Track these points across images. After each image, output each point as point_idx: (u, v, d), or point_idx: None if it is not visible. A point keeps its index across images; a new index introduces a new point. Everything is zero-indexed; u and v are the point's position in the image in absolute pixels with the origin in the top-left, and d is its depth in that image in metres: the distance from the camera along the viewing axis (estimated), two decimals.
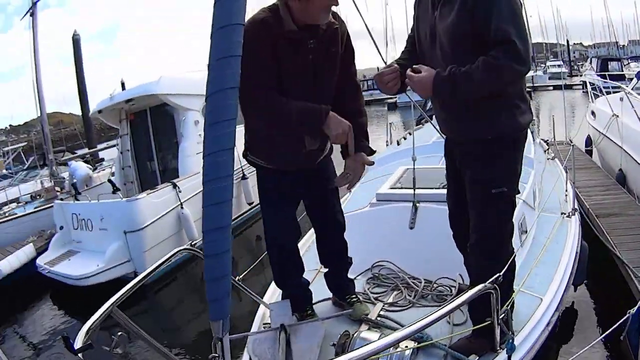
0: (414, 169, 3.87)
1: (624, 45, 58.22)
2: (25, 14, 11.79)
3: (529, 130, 2.62)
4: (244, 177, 9.06)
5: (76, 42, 15.86)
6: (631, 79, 10.69)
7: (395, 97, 32.20)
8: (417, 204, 3.69)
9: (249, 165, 2.82)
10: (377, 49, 2.96)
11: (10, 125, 57.19)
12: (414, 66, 2.35)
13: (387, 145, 8.14)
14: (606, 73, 17.02)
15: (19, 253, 8.17)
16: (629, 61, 32.44)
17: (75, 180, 10.00)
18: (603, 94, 9.40)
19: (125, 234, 6.95)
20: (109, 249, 6.94)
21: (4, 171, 15.87)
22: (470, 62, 2.28)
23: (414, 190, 3.73)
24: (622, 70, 23.96)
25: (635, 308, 3.35)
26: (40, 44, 11.80)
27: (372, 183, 4.73)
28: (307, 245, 3.87)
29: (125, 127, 9.68)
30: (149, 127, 9.58)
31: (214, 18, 1.61)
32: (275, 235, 2.83)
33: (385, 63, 3.38)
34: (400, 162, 5.06)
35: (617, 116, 7.79)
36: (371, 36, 3.01)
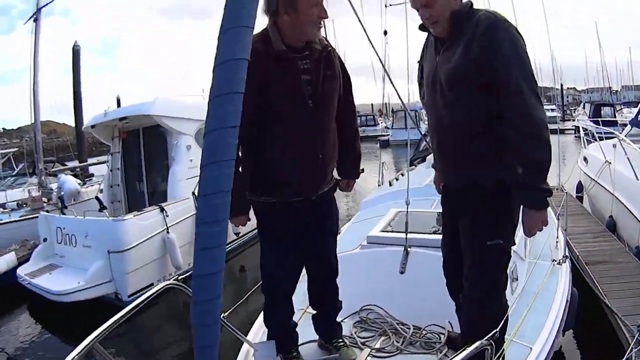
0: (407, 212, 3.83)
1: (617, 91, 59.13)
2: (29, 19, 11.81)
3: None
4: None
5: (76, 52, 15.82)
6: (624, 125, 10.80)
7: (388, 135, 32.52)
8: (409, 249, 3.63)
9: None
10: (394, 88, 2.97)
11: (3, 129, 57.08)
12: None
13: (378, 185, 8.11)
14: (599, 119, 17.23)
15: (0, 260, 8.04)
16: (622, 107, 33.02)
17: (62, 193, 9.88)
18: (596, 140, 9.46)
19: (109, 253, 6.83)
20: (91, 267, 6.84)
21: None
22: (471, 109, 2.27)
23: (406, 235, 3.67)
24: (615, 116, 24.29)
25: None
26: (44, 51, 11.77)
27: (363, 224, 4.67)
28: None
29: (117, 145, 9.57)
30: (140, 147, 9.50)
31: (217, 50, 1.54)
32: (271, 272, 2.77)
33: (402, 100, 3.40)
34: (392, 204, 5.00)
35: (610, 163, 7.82)
36: (385, 71, 3.02)
